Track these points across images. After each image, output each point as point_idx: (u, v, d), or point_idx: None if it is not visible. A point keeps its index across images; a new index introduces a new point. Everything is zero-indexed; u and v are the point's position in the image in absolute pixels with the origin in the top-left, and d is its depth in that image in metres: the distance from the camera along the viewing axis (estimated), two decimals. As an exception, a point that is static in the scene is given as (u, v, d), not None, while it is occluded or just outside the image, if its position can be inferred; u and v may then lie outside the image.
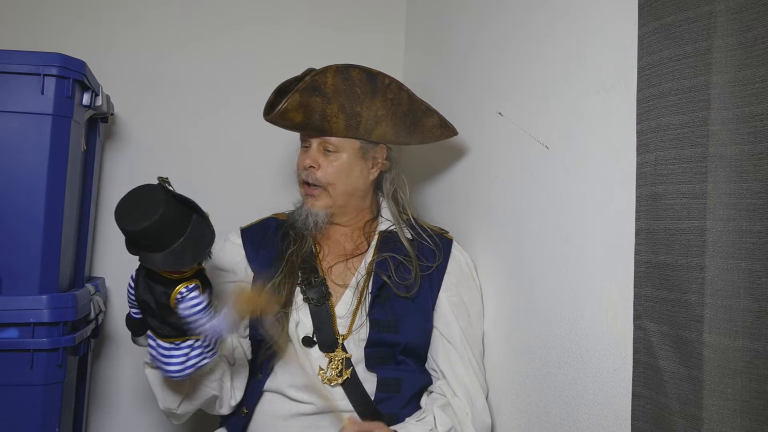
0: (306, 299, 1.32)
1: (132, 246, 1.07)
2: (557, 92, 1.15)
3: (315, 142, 1.37)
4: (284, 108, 1.28)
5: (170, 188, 1.07)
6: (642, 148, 0.85)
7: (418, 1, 1.96)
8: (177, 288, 1.07)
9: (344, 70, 1.30)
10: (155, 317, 1.09)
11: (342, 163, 1.36)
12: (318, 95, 1.29)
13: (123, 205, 1.05)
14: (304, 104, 1.29)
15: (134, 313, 1.19)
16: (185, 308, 1.06)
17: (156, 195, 1.03)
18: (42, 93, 1.34)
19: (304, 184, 1.38)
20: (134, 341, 1.25)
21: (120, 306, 1.82)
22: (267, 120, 1.35)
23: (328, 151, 1.36)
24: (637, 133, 0.86)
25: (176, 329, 1.08)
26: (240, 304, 1.06)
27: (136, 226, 1.01)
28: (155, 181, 1.08)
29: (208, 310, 1.07)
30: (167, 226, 1.03)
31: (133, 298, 1.14)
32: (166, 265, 1.04)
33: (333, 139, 1.35)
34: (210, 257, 1.13)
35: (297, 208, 1.42)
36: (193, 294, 1.07)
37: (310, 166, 1.36)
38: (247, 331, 1.36)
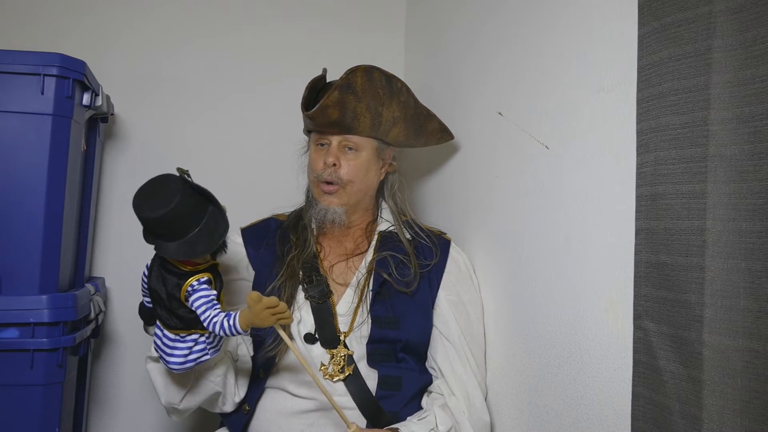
0: (308, 297, 1.32)
1: (148, 234, 1.08)
2: (557, 92, 1.15)
3: (335, 141, 1.38)
4: (325, 104, 1.31)
5: (189, 179, 1.08)
6: (642, 148, 0.85)
7: (418, 1, 1.96)
8: (189, 280, 1.08)
9: (369, 71, 1.34)
10: (164, 308, 1.09)
11: (362, 162, 1.39)
12: (351, 93, 1.33)
13: (141, 193, 1.06)
14: (341, 102, 1.33)
15: (147, 302, 1.20)
16: (194, 300, 1.07)
17: (174, 184, 1.05)
18: (42, 93, 1.34)
19: (322, 182, 1.38)
20: (146, 330, 1.25)
21: (120, 306, 1.82)
22: (307, 115, 1.36)
23: (349, 149, 1.38)
24: (637, 133, 0.86)
25: (183, 321, 1.09)
26: (255, 313, 1.05)
27: (152, 214, 1.03)
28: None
29: (215, 305, 1.08)
30: (183, 215, 1.04)
31: (146, 286, 1.15)
32: (179, 254, 1.05)
33: (355, 138, 1.38)
34: (225, 251, 1.15)
35: (313, 206, 1.40)
36: (204, 287, 1.08)
37: (333, 164, 1.37)
38: (249, 329, 1.36)
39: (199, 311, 1.07)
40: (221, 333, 1.06)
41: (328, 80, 1.43)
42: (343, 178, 1.37)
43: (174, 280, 1.08)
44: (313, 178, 1.40)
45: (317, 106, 1.32)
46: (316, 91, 1.40)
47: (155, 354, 1.19)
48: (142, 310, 1.23)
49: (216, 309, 1.07)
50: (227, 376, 1.27)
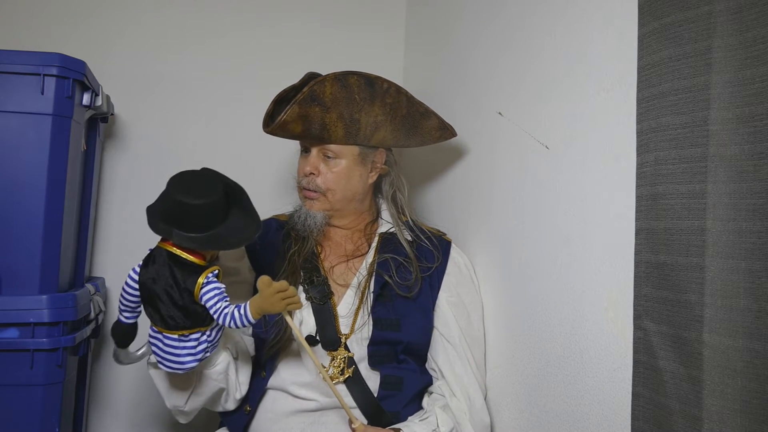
0: (309, 298, 1.32)
1: (170, 224, 1.07)
2: (557, 92, 1.15)
3: (315, 149, 1.37)
4: (283, 120, 1.29)
5: (227, 178, 1.13)
6: (642, 148, 0.85)
7: (418, 1, 1.96)
8: (205, 272, 1.08)
9: (342, 78, 1.30)
10: (174, 306, 1.08)
11: (341, 169, 1.37)
12: (317, 105, 1.29)
13: (182, 179, 1.08)
14: (303, 115, 1.29)
15: (126, 317, 1.17)
16: (207, 292, 1.07)
17: (214, 177, 1.11)
18: (42, 93, 1.34)
19: (303, 189, 1.39)
20: (115, 355, 1.21)
21: (120, 306, 1.82)
22: (266, 132, 1.35)
23: (328, 157, 1.36)
24: (637, 133, 0.86)
25: (191, 318, 1.09)
26: (265, 298, 1.06)
27: (197, 200, 1.05)
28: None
29: (225, 297, 1.08)
30: (222, 207, 1.08)
31: (132, 296, 1.13)
32: (207, 245, 1.07)
33: (333, 146, 1.36)
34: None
35: (296, 210, 1.42)
36: (215, 280, 1.09)
37: (311, 173, 1.37)
38: (251, 330, 1.36)
39: (209, 303, 1.07)
40: (232, 324, 1.06)
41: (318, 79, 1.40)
42: (321, 187, 1.36)
43: (187, 275, 1.08)
44: (297, 183, 1.41)
45: (274, 123, 1.30)
46: (284, 103, 1.35)
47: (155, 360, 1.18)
48: (119, 329, 1.19)
49: (226, 301, 1.07)
50: (229, 372, 1.27)
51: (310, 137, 1.34)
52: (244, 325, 1.07)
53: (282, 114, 1.28)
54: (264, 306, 1.06)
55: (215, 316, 1.07)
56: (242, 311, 1.06)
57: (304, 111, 1.29)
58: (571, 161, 1.10)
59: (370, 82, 1.33)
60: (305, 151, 1.40)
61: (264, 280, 1.05)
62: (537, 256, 1.21)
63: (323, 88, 1.28)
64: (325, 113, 1.30)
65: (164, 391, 1.25)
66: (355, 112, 1.32)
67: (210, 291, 1.07)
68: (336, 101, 1.30)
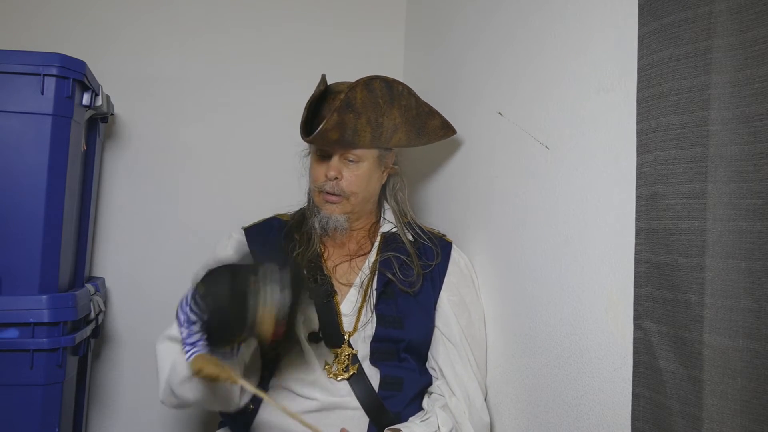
0: (312, 297, 1.33)
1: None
2: (557, 92, 1.15)
3: (336, 154, 1.38)
4: (324, 128, 1.30)
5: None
6: (642, 148, 0.85)
7: (418, 1, 1.96)
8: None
9: (369, 83, 1.34)
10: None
11: (363, 172, 1.38)
12: (351, 112, 1.32)
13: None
14: (341, 122, 1.32)
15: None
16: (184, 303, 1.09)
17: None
18: (42, 93, 1.34)
19: (324, 192, 1.38)
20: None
21: (120, 306, 1.82)
22: (307, 141, 1.36)
23: (350, 161, 1.38)
24: (637, 133, 0.86)
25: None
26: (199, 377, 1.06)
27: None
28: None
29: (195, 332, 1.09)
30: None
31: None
32: None
33: (357, 150, 1.37)
34: None
35: (315, 213, 1.40)
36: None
37: (335, 177, 1.37)
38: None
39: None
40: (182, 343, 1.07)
41: (327, 84, 1.42)
42: (345, 191, 1.37)
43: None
44: (315, 187, 1.41)
45: (317, 132, 1.31)
46: (314, 107, 1.38)
47: (177, 335, 1.15)
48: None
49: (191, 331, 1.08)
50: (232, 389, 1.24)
51: (343, 143, 1.35)
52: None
53: (323, 123, 1.30)
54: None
55: (179, 326, 1.09)
56: (185, 357, 1.06)
57: (341, 118, 1.31)
58: (571, 161, 1.10)
59: (389, 85, 1.37)
60: (324, 156, 1.39)
61: (194, 368, 1.04)
62: (537, 256, 1.21)
63: (355, 95, 1.32)
64: (357, 119, 1.33)
65: (165, 366, 1.21)
66: (379, 116, 1.35)
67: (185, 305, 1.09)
68: (365, 106, 1.33)
